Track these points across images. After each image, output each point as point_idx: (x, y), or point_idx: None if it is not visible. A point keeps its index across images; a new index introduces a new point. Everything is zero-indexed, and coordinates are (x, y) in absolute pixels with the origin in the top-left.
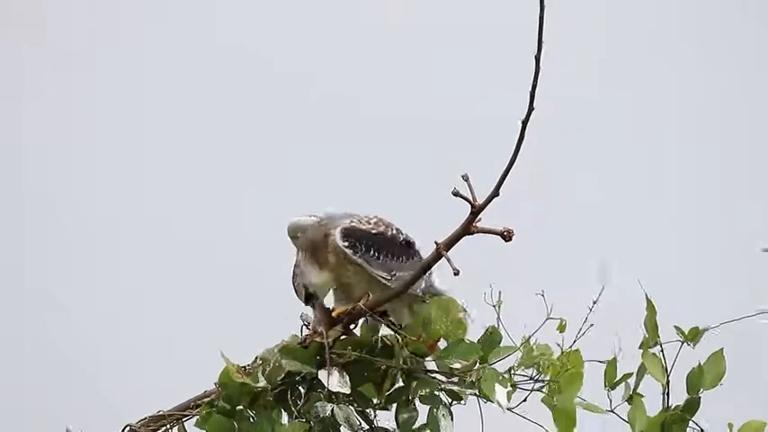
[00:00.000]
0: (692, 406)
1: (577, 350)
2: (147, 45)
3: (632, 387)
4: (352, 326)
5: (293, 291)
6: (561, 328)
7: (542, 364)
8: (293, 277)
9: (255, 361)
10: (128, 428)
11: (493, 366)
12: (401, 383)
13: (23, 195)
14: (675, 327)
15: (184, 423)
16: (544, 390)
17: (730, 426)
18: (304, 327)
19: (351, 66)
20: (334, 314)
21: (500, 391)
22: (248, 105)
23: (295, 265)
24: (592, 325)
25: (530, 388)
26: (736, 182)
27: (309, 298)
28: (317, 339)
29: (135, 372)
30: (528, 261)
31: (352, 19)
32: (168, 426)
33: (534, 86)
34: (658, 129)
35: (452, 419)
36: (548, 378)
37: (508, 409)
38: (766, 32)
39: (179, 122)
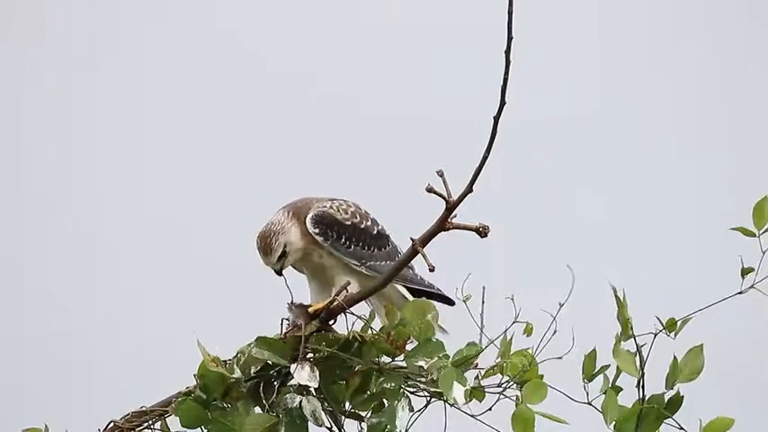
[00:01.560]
0: (673, 403)
1: (528, 351)
2: (147, 45)
3: (610, 380)
4: (330, 322)
5: (261, 247)
6: (528, 332)
7: (504, 366)
8: (269, 234)
9: (236, 355)
10: (111, 424)
11: (457, 367)
12: (374, 390)
13: (23, 195)
14: (657, 317)
15: (166, 419)
16: (512, 398)
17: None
18: (284, 322)
19: (351, 66)
20: (311, 310)
21: (457, 389)
22: (248, 105)
23: (271, 222)
24: (555, 332)
25: (498, 394)
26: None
27: (281, 259)
28: (296, 333)
29: (135, 372)
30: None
31: (352, 19)
32: (151, 421)
33: (505, 81)
34: (645, 124)
35: (410, 411)
36: (514, 385)
37: (472, 416)
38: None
39: (179, 122)
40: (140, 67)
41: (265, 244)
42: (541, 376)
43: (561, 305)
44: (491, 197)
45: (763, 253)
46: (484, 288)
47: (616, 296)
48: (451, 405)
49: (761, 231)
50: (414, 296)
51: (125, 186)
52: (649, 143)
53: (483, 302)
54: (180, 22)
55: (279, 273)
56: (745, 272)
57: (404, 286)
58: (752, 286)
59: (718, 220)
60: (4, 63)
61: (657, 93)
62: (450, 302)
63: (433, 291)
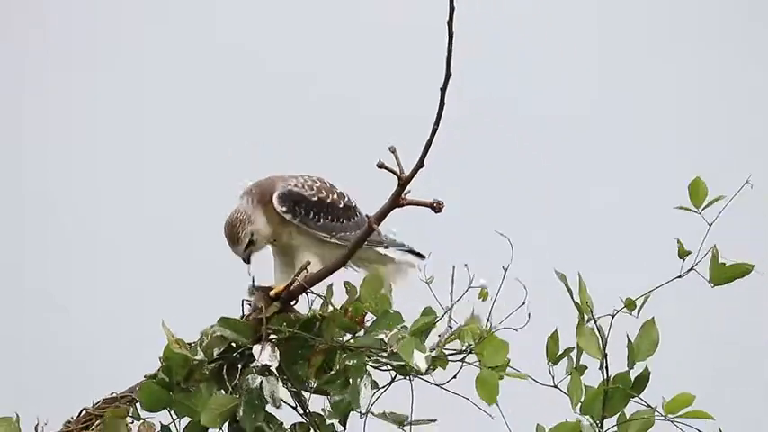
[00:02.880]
0: (639, 381)
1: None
2: (147, 45)
3: (574, 361)
4: (292, 302)
5: (229, 236)
6: (483, 296)
7: (463, 333)
8: (236, 224)
9: (200, 337)
10: (84, 411)
11: (417, 336)
12: (338, 367)
13: (23, 195)
14: (620, 298)
15: (136, 404)
16: (475, 363)
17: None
18: (246, 304)
19: (351, 66)
20: (272, 293)
21: (418, 356)
22: (248, 105)
23: (237, 210)
24: (524, 303)
25: (460, 360)
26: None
27: (248, 246)
28: (257, 315)
29: (135, 371)
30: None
31: (352, 19)
32: (120, 405)
33: (450, 52)
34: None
35: (373, 389)
36: (472, 350)
37: (437, 385)
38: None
39: (179, 122)
40: (140, 67)
41: (232, 233)
42: (505, 342)
43: (505, 269)
44: (492, 197)
45: (709, 226)
46: (454, 267)
47: (564, 282)
48: (415, 376)
49: (701, 209)
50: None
51: (125, 186)
52: (648, 137)
53: (453, 282)
54: (180, 23)
55: (246, 261)
56: (682, 254)
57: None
58: (691, 268)
59: (716, 215)
60: (4, 63)
61: (655, 89)
62: (421, 257)
63: (403, 249)
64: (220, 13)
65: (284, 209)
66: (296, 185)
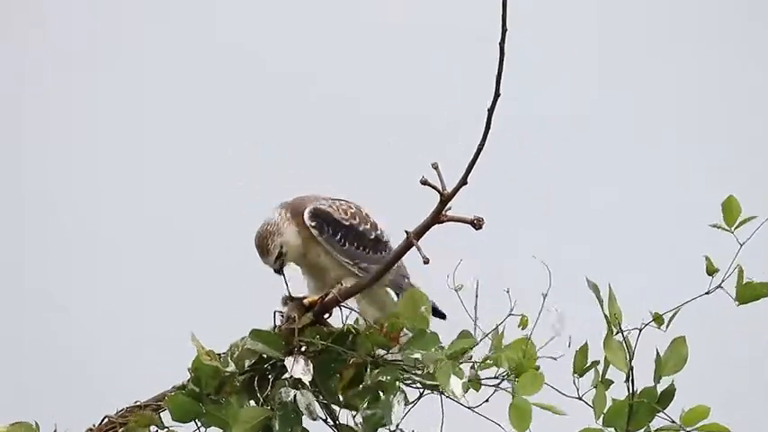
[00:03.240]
0: (665, 396)
1: (530, 341)
2: (147, 45)
3: (600, 374)
4: (325, 315)
5: (259, 247)
6: (523, 324)
7: (499, 358)
8: (266, 235)
9: (230, 348)
10: (106, 419)
11: (454, 360)
12: (369, 382)
13: (23, 195)
14: (650, 311)
15: (161, 413)
16: (509, 390)
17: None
18: (279, 315)
19: (351, 66)
20: (305, 302)
21: (455, 383)
22: (248, 105)
23: (267, 223)
24: (557, 336)
25: (494, 386)
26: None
27: (278, 258)
28: (290, 326)
29: (134, 372)
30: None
31: (352, 19)
32: (145, 414)
33: (500, 73)
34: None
35: (405, 406)
36: (510, 376)
37: (469, 408)
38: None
39: (179, 122)
40: (140, 67)
41: (262, 245)
42: (537, 368)
43: (545, 295)
44: (493, 196)
45: (738, 250)
46: (477, 282)
47: (597, 293)
48: (447, 397)
49: (733, 228)
50: None
51: (125, 186)
52: (648, 137)
53: (477, 296)
54: (180, 23)
55: (278, 272)
56: (710, 271)
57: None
58: (719, 286)
59: (716, 216)
60: (4, 63)
61: (655, 89)
62: (442, 316)
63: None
64: (220, 13)
65: (313, 224)
66: (330, 206)
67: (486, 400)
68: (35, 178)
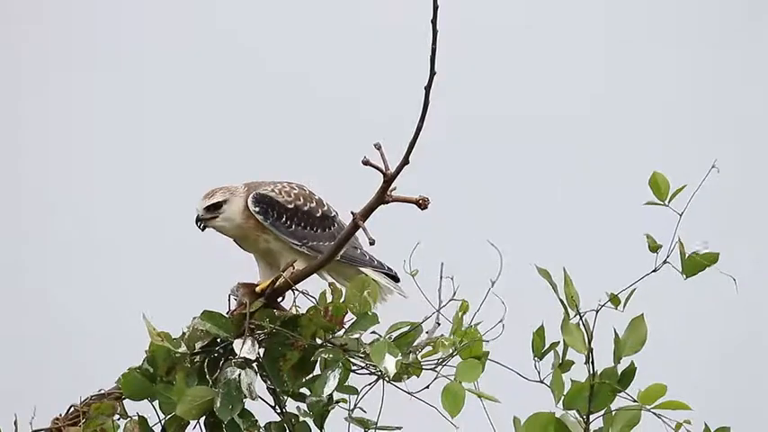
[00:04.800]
0: (626, 376)
1: (472, 327)
2: (147, 45)
3: (560, 356)
4: (279, 299)
5: (207, 191)
6: (464, 309)
7: (438, 343)
8: (220, 188)
9: (183, 331)
10: (72, 408)
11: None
12: (318, 371)
13: (22, 195)
14: (606, 292)
15: (123, 401)
16: (449, 376)
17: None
18: (233, 299)
19: (350, 66)
20: (257, 289)
21: (389, 360)
22: (248, 105)
23: (229, 185)
24: (504, 311)
25: (435, 372)
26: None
27: (214, 210)
28: (242, 310)
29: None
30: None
31: (351, 19)
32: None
33: (434, 50)
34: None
35: (340, 382)
36: (446, 361)
37: (408, 393)
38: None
39: (179, 122)
40: (140, 67)
41: (210, 190)
42: (486, 353)
43: (493, 282)
44: (495, 196)
45: (680, 216)
46: (442, 264)
47: (548, 278)
48: (388, 381)
49: (667, 201)
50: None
51: (124, 186)
52: (649, 138)
53: (441, 279)
54: (180, 23)
55: (201, 227)
56: (653, 248)
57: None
58: (664, 261)
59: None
60: (3, 63)
61: (656, 90)
62: (396, 280)
63: (382, 270)
64: (220, 12)
65: (257, 209)
66: (273, 190)
67: (427, 387)
68: (35, 178)
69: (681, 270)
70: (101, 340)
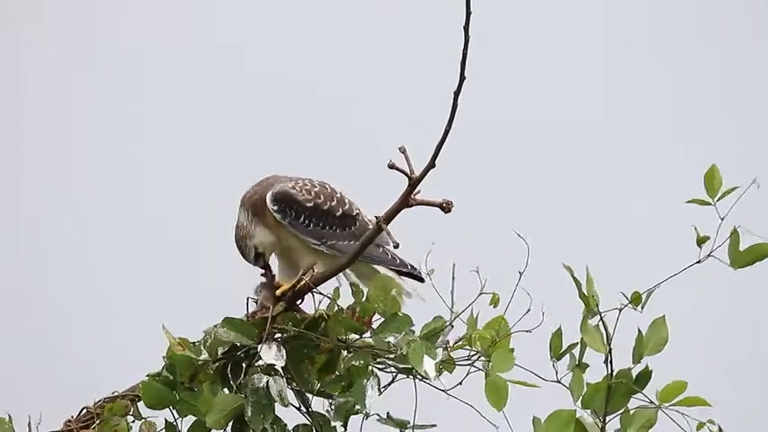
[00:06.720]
0: (641, 377)
1: (502, 317)
2: (147, 45)
3: (577, 357)
4: (298, 301)
5: (239, 253)
6: (494, 302)
7: (472, 338)
8: (240, 241)
9: (204, 336)
10: (84, 410)
11: (427, 341)
12: (342, 366)
13: (23, 195)
14: (622, 293)
15: (137, 403)
16: (483, 370)
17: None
18: (252, 302)
19: (350, 67)
20: (278, 292)
21: (428, 363)
22: (248, 105)
23: (237, 226)
24: (529, 310)
25: (467, 366)
26: None
27: (258, 258)
28: (263, 314)
29: (135, 372)
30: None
31: (351, 19)
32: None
33: (464, 56)
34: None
35: (380, 393)
36: (481, 356)
37: (443, 391)
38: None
39: (179, 122)
40: (140, 67)
41: (240, 251)
42: (512, 349)
43: (521, 273)
44: (496, 197)
45: (721, 220)
46: (454, 265)
47: (573, 276)
48: (421, 380)
49: (715, 200)
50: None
51: (124, 186)
52: (656, 142)
53: (453, 278)
54: (179, 23)
55: (264, 267)
56: (700, 240)
57: (380, 266)
58: (709, 254)
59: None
60: (3, 62)
61: (660, 94)
62: (420, 280)
63: (403, 270)
64: (220, 12)
65: (275, 208)
66: (293, 187)
67: (460, 383)
68: (35, 178)
69: (730, 262)
70: (101, 340)
